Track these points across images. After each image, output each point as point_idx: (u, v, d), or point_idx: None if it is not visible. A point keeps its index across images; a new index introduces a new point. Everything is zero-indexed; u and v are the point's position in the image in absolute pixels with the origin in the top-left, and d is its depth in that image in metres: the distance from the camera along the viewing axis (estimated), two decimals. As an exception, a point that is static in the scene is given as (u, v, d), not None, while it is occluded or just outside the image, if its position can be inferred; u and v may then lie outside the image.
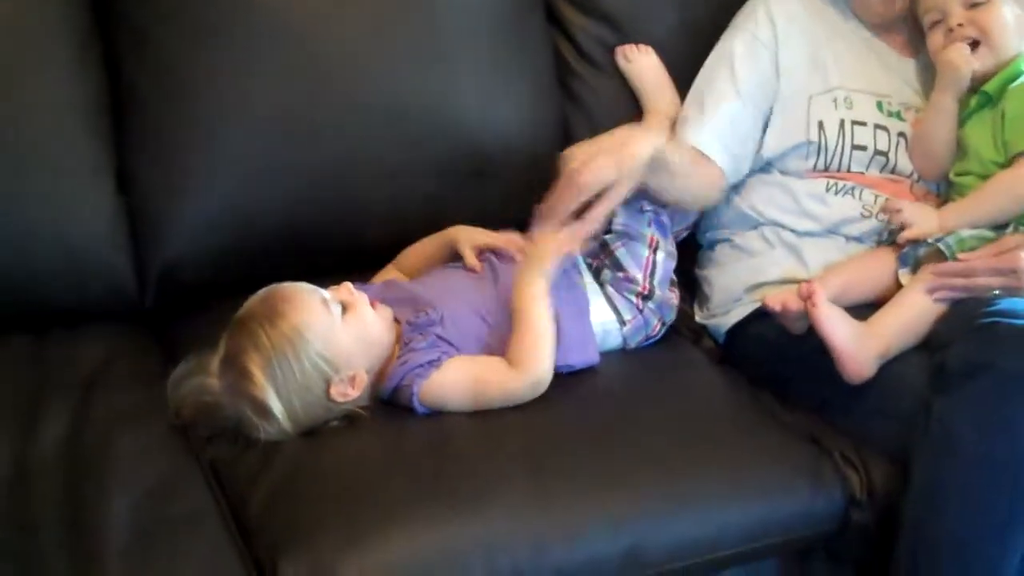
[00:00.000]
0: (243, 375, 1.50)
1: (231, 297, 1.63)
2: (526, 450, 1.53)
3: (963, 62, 1.76)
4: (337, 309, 1.57)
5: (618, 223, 1.78)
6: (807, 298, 1.63)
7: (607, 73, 2.04)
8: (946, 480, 1.52)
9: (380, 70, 1.85)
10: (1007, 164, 1.74)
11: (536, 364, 1.59)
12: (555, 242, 1.67)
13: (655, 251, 1.79)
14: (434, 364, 1.58)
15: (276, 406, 1.51)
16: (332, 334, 1.55)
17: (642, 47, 2.02)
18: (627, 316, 1.77)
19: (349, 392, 1.56)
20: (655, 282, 1.78)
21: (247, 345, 1.52)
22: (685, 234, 1.93)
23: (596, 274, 1.80)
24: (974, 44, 1.76)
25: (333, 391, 1.55)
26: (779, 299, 1.69)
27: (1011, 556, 1.50)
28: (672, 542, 1.50)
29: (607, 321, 1.76)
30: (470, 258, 1.76)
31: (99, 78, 1.80)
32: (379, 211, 1.88)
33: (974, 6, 1.76)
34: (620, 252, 1.78)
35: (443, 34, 1.89)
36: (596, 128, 2.00)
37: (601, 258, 1.79)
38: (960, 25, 1.76)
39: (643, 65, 2.02)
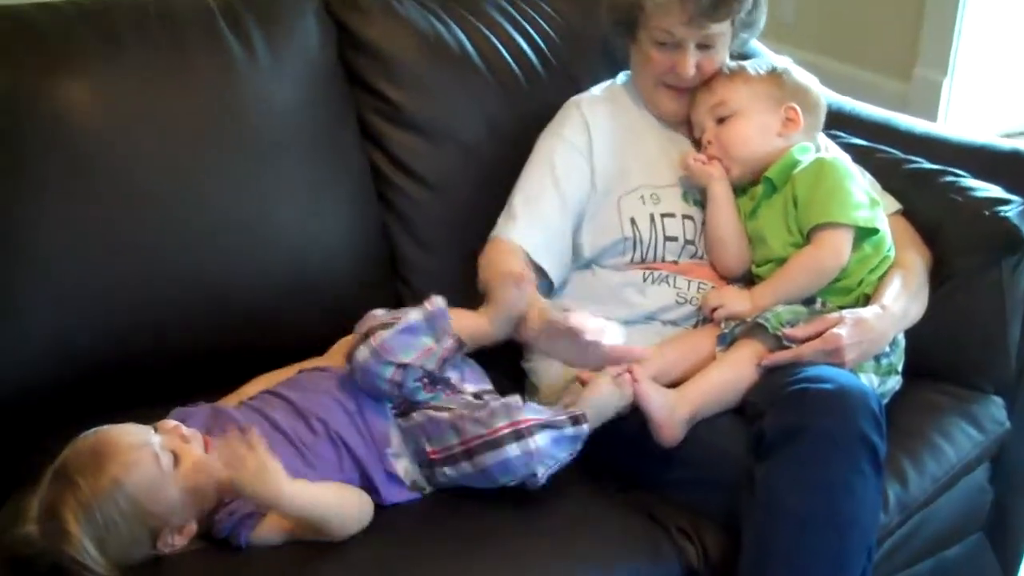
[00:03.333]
0: (61, 531, 1.45)
1: (66, 427, 1.59)
2: (381, 560, 1.55)
3: (706, 178, 1.95)
4: (168, 461, 1.52)
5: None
6: (627, 373, 1.71)
7: (422, 181, 2.10)
8: (773, 542, 1.60)
9: (200, 190, 1.87)
10: (803, 244, 1.88)
11: (344, 529, 1.57)
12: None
13: None
14: (260, 512, 1.55)
15: (95, 562, 1.45)
16: (160, 489, 1.50)
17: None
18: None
19: (176, 543, 1.53)
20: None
21: (68, 498, 1.47)
22: None
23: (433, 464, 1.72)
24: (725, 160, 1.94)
25: (160, 543, 1.52)
26: (588, 375, 1.76)
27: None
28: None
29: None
30: None
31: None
32: (206, 330, 1.88)
33: (720, 121, 1.93)
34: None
35: (260, 152, 1.92)
36: (416, 235, 2.09)
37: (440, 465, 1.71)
38: (709, 142, 1.95)
39: None
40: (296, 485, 1.52)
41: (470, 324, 1.73)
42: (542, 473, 1.62)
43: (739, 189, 1.97)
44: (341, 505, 1.57)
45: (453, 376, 1.75)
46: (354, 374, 1.66)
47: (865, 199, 1.90)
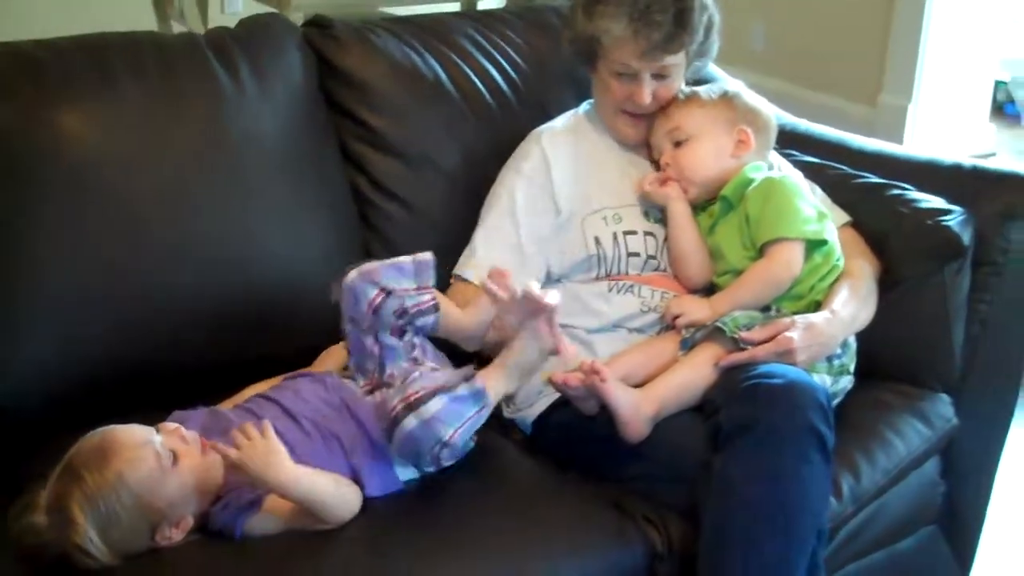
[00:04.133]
0: (68, 521, 1.55)
1: (71, 431, 1.69)
2: (372, 545, 1.66)
3: (664, 199, 2.07)
4: (168, 458, 1.61)
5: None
6: (595, 374, 1.82)
7: (401, 202, 2.22)
8: (729, 525, 1.72)
9: (192, 214, 1.97)
10: (758, 257, 2.00)
11: (338, 514, 1.66)
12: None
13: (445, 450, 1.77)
14: (255, 505, 1.65)
15: (98, 550, 1.56)
16: (160, 484, 1.60)
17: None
18: (427, 469, 1.81)
19: (174, 536, 1.63)
20: (448, 462, 1.79)
21: (74, 490, 1.57)
22: None
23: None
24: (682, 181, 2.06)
25: (158, 536, 1.62)
26: (561, 375, 1.88)
27: (792, 586, 1.72)
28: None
29: (411, 472, 1.81)
30: None
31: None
32: (200, 344, 1.98)
33: (677, 144, 2.06)
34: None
35: (249, 177, 2.03)
36: (396, 253, 2.16)
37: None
38: (667, 164, 2.07)
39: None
40: (299, 469, 1.63)
41: (451, 306, 1.85)
42: (453, 435, 1.68)
43: (697, 207, 2.09)
44: (336, 490, 1.67)
45: (417, 347, 1.85)
46: (341, 296, 1.78)
47: (813, 213, 2.02)
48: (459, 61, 2.32)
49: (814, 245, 2.01)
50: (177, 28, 4.16)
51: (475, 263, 2.07)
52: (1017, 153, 4.96)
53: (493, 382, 1.78)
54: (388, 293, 1.76)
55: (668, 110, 2.09)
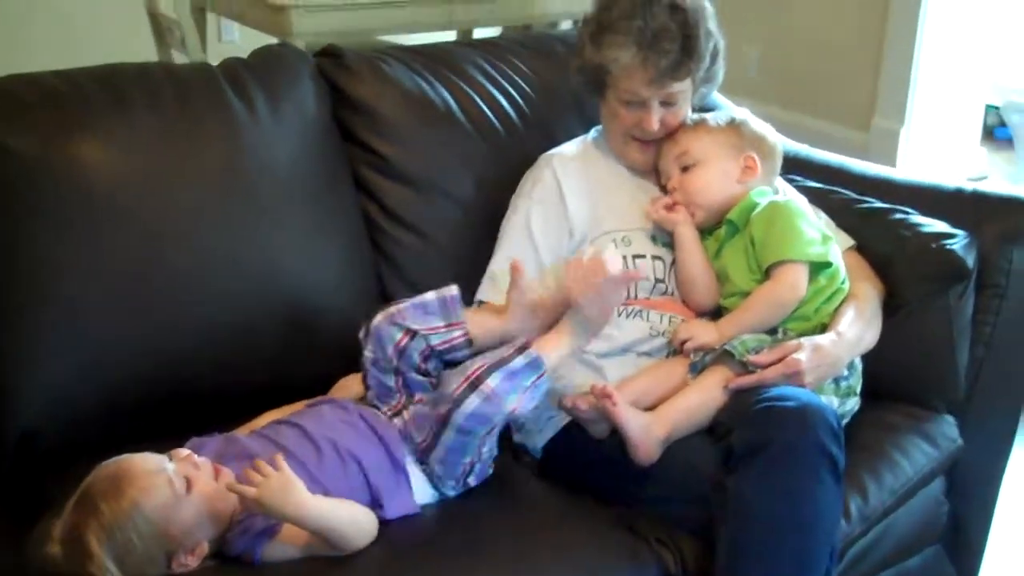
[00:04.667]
0: (84, 552, 1.56)
1: (93, 456, 1.70)
2: (388, 570, 1.68)
3: (672, 224, 2.10)
4: (181, 485, 1.62)
5: (439, 451, 1.79)
6: (606, 397, 1.85)
7: (411, 228, 2.25)
8: (745, 544, 1.75)
9: (206, 240, 1.99)
10: (764, 279, 2.04)
11: (355, 542, 1.69)
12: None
13: (474, 466, 1.83)
14: (273, 530, 1.66)
15: None
16: (175, 511, 1.61)
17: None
18: (449, 493, 1.85)
19: (190, 562, 1.63)
20: (470, 480, 1.85)
21: (90, 521, 1.57)
22: None
23: (424, 452, 1.82)
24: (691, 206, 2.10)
25: (174, 563, 1.62)
26: (571, 399, 1.91)
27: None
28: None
29: (429, 493, 1.84)
30: None
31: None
32: (217, 369, 2.00)
33: (684, 169, 2.10)
34: (436, 468, 1.81)
35: (264, 205, 2.05)
36: (406, 278, 2.22)
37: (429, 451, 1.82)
38: (674, 189, 2.10)
39: None
40: (315, 499, 1.65)
41: (482, 319, 1.89)
42: (517, 405, 1.75)
43: (704, 231, 2.13)
44: (352, 519, 1.69)
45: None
46: (367, 339, 1.83)
47: (817, 236, 2.05)
48: (468, 89, 2.36)
49: (819, 267, 2.04)
50: (178, 57, 4.18)
51: (499, 288, 2.07)
52: (1008, 176, 5.01)
53: (550, 348, 1.82)
54: (413, 335, 1.81)
55: (676, 136, 2.13)
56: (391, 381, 1.86)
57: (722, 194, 2.09)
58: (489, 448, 1.83)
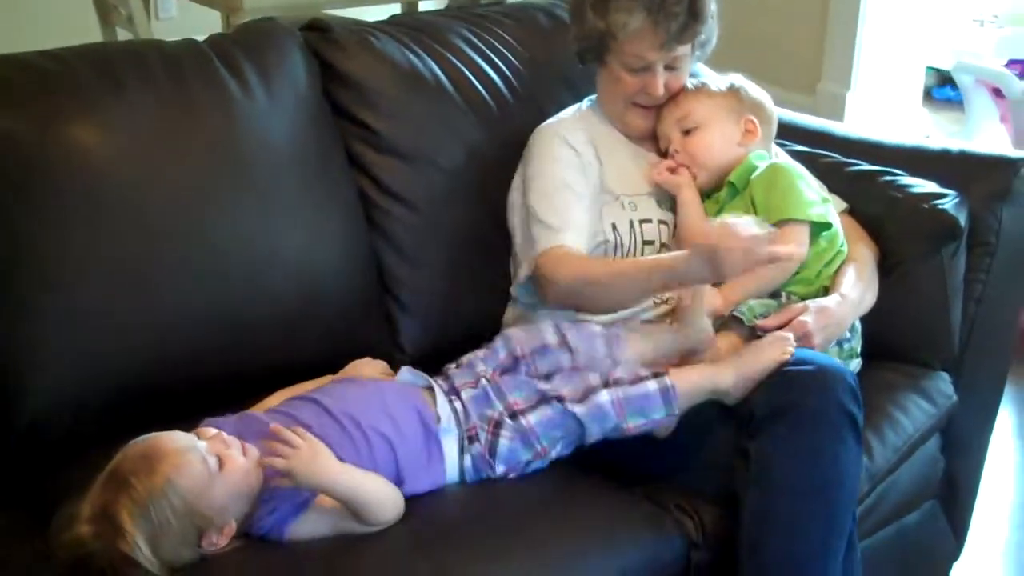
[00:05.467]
0: (116, 529, 1.52)
1: (100, 445, 1.67)
2: (419, 543, 1.68)
3: (675, 187, 2.11)
4: (214, 463, 1.60)
5: (529, 420, 1.81)
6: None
7: (405, 203, 2.22)
8: (771, 509, 1.76)
9: (205, 221, 1.96)
10: None
11: (384, 515, 1.68)
12: None
13: (534, 460, 1.84)
14: (301, 508, 1.65)
15: (147, 560, 1.53)
16: (209, 489, 1.58)
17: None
18: (468, 479, 1.83)
19: (219, 542, 1.61)
20: (511, 475, 1.83)
21: (123, 498, 1.54)
22: None
23: (467, 439, 1.82)
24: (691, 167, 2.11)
25: (204, 542, 1.60)
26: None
27: (835, 560, 1.76)
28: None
29: (451, 469, 1.82)
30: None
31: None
32: (222, 351, 1.97)
33: (686, 132, 2.10)
34: (502, 441, 1.81)
35: (260, 184, 2.02)
36: (402, 252, 2.21)
37: (483, 423, 1.82)
38: (676, 151, 2.11)
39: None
40: (345, 467, 1.65)
41: (695, 376, 1.88)
42: (633, 426, 1.82)
43: (704, 194, 2.14)
44: (381, 490, 1.68)
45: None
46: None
47: (817, 197, 2.08)
48: (456, 61, 2.32)
49: (819, 228, 2.06)
50: (123, 35, 4.10)
51: (562, 231, 2.04)
52: (952, 136, 5.09)
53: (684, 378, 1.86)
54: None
55: (678, 99, 2.13)
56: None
57: (724, 156, 2.10)
58: (558, 452, 1.84)
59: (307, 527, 1.67)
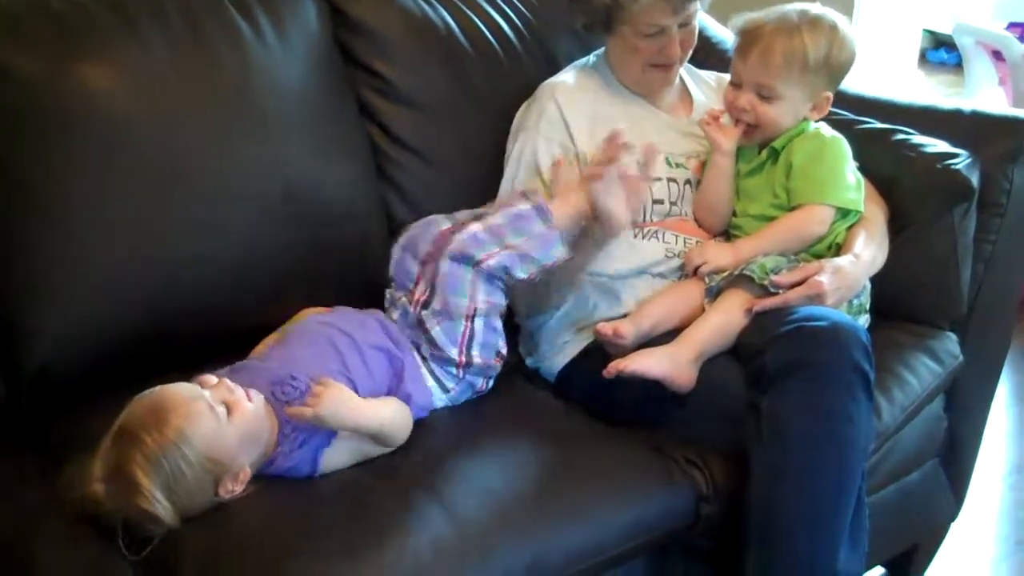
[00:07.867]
0: (131, 485, 1.52)
1: (108, 391, 1.69)
2: (428, 486, 1.68)
3: (714, 144, 2.06)
4: (222, 411, 1.60)
5: (437, 301, 1.85)
6: (617, 337, 1.90)
7: (412, 151, 2.22)
8: (782, 465, 1.76)
9: (218, 166, 1.95)
10: (786, 206, 2.03)
11: (401, 437, 1.75)
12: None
13: (473, 320, 1.86)
14: (331, 435, 1.68)
15: (164, 511, 1.53)
16: (219, 437, 1.59)
17: None
18: (449, 385, 1.89)
19: (236, 488, 1.62)
20: (473, 352, 1.87)
21: (135, 454, 1.53)
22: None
23: (416, 348, 1.88)
24: (750, 125, 2.05)
25: (221, 489, 1.60)
26: (610, 326, 1.92)
27: (845, 517, 1.77)
28: (567, 549, 1.69)
29: (433, 387, 1.87)
30: None
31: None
32: (229, 295, 1.96)
33: (764, 99, 2.03)
34: (435, 331, 1.85)
35: (273, 128, 2.00)
36: (410, 201, 2.20)
37: (419, 335, 1.87)
38: (746, 110, 2.04)
39: None
40: (366, 402, 1.69)
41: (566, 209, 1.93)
42: (520, 243, 1.85)
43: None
44: (396, 414, 1.74)
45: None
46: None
47: (854, 181, 2.05)
48: (467, 10, 2.31)
49: (845, 211, 2.05)
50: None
51: None
52: (946, 96, 5.10)
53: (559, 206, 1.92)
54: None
55: (768, 62, 1.99)
56: (415, 268, 1.88)
57: (787, 126, 2.05)
58: (485, 309, 1.86)
59: (334, 459, 1.69)
